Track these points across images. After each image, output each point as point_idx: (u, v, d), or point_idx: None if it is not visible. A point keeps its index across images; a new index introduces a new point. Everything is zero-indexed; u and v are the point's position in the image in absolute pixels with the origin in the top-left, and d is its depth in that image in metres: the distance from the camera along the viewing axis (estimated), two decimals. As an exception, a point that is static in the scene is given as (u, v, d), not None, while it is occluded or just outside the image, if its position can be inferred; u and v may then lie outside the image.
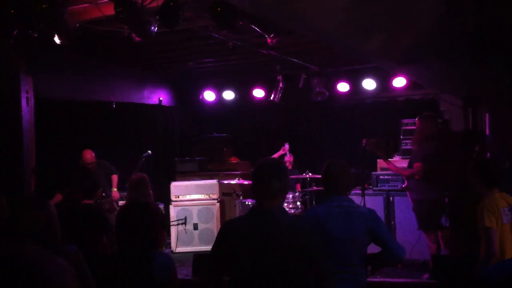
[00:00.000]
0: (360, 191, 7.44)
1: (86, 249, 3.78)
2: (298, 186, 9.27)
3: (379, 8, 3.76)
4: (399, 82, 9.27)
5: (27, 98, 6.88)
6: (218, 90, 10.88)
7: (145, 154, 8.25)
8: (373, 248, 3.78)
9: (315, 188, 8.70)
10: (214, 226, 8.85)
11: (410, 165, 6.96)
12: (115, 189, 8.20)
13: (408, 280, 6.69)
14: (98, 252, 5.27)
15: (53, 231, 3.16)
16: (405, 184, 7.00)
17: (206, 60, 9.13)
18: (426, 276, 6.71)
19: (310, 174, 8.59)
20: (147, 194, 6.03)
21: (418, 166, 6.67)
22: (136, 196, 5.82)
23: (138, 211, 3.21)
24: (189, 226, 8.82)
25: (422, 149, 6.80)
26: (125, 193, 8.38)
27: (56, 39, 5.40)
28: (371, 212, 3.84)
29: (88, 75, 8.61)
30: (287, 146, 9.48)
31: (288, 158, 9.43)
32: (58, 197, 7.12)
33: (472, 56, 5.02)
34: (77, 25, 5.52)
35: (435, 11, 4.00)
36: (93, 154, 8.01)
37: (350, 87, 9.70)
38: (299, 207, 8.56)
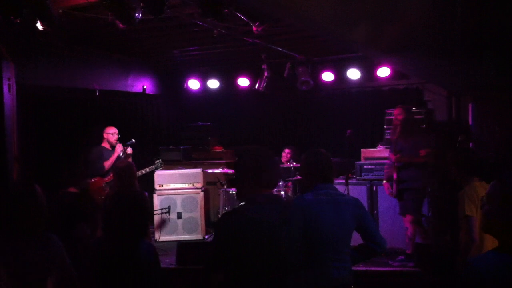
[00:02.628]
0: (344, 180, 7.48)
1: (66, 237, 3.75)
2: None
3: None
4: (383, 72, 9.30)
5: (9, 85, 6.80)
6: (203, 79, 10.84)
7: (128, 143, 8.22)
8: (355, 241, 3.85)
9: (299, 177, 8.71)
10: (198, 215, 8.85)
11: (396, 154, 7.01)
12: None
13: (392, 268, 6.76)
14: (79, 241, 5.28)
15: (40, 220, 3.14)
16: (395, 177, 7.00)
17: (191, 48, 9.08)
18: (401, 257, 6.88)
19: (294, 163, 8.60)
20: (133, 182, 6.02)
21: (429, 151, 6.79)
22: (121, 184, 5.81)
23: (126, 200, 3.19)
24: (173, 215, 8.80)
25: (420, 139, 6.91)
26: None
27: (39, 25, 5.33)
28: (357, 200, 3.90)
29: (71, 62, 8.50)
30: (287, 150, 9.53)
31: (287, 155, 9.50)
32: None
33: (462, 50, 5.05)
34: (60, 11, 5.45)
35: (423, 1, 4.01)
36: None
37: (335, 76, 9.71)
38: (283, 196, 8.58)
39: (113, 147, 8.07)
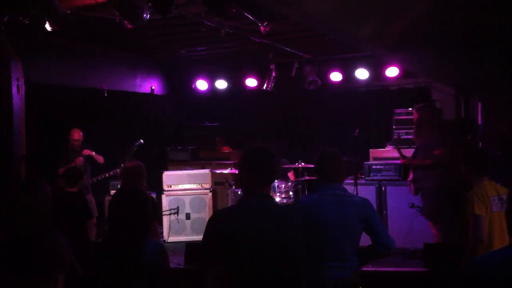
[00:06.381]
0: (352, 181, 7.44)
1: (69, 236, 3.75)
2: (291, 175, 9.24)
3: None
4: (392, 71, 9.26)
5: (17, 85, 6.83)
6: (211, 79, 10.84)
7: (137, 143, 8.21)
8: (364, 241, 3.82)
9: (307, 177, 8.69)
10: (206, 215, 8.84)
11: (414, 156, 6.97)
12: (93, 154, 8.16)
13: (400, 269, 6.72)
14: (82, 239, 5.31)
15: (40, 217, 3.15)
16: (411, 177, 6.97)
17: (199, 48, 9.08)
18: None
19: (302, 163, 8.56)
20: (140, 183, 6.00)
21: (441, 152, 6.66)
22: (126, 184, 5.81)
23: (128, 197, 3.20)
24: (181, 216, 8.80)
25: (433, 137, 6.83)
26: (117, 182, 8.39)
27: (47, 26, 5.34)
28: (366, 201, 3.86)
29: (79, 62, 8.56)
30: None
31: None
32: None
33: (464, 45, 5.03)
34: (68, 11, 5.46)
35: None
36: (81, 133, 8.05)
37: (343, 76, 9.69)
38: (291, 196, 8.55)
39: (74, 150, 8.02)
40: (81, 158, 7.92)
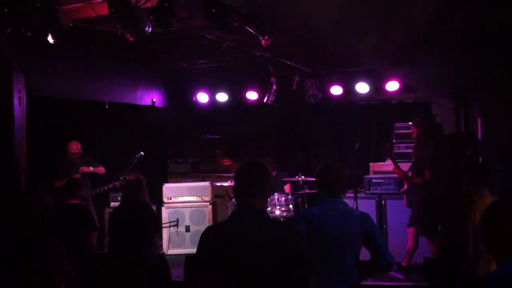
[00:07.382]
0: (352, 194, 7.44)
1: (75, 247, 3.76)
2: (288, 187, 9.21)
3: (373, 6, 3.77)
4: (392, 86, 9.30)
5: (19, 97, 6.84)
6: (212, 92, 10.89)
7: (137, 155, 8.22)
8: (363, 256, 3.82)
9: (307, 191, 8.68)
10: (206, 228, 8.82)
11: (411, 169, 6.99)
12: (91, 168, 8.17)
13: (400, 283, 6.70)
14: (87, 250, 5.30)
15: (41, 216, 3.16)
16: (405, 187, 7.00)
17: (200, 61, 9.12)
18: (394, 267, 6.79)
19: (302, 176, 8.55)
20: (143, 195, 6.01)
21: (431, 174, 6.68)
22: (131, 197, 5.82)
23: (130, 209, 3.20)
24: (181, 228, 8.79)
25: (429, 151, 6.84)
26: (117, 194, 8.39)
27: (50, 38, 5.37)
28: (366, 215, 3.84)
29: (81, 73, 8.60)
30: None
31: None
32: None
33: (464, 45, 5.04)
34: (70, 24, 5.49)
35: (429, 7, 4.02)
36: (79, 146, 8.02)
37: (343, 89, 9.72)
38: (291, 210, 8.53)
39: (73, 162, 7.98)
40: (77, 175, 7.91)
